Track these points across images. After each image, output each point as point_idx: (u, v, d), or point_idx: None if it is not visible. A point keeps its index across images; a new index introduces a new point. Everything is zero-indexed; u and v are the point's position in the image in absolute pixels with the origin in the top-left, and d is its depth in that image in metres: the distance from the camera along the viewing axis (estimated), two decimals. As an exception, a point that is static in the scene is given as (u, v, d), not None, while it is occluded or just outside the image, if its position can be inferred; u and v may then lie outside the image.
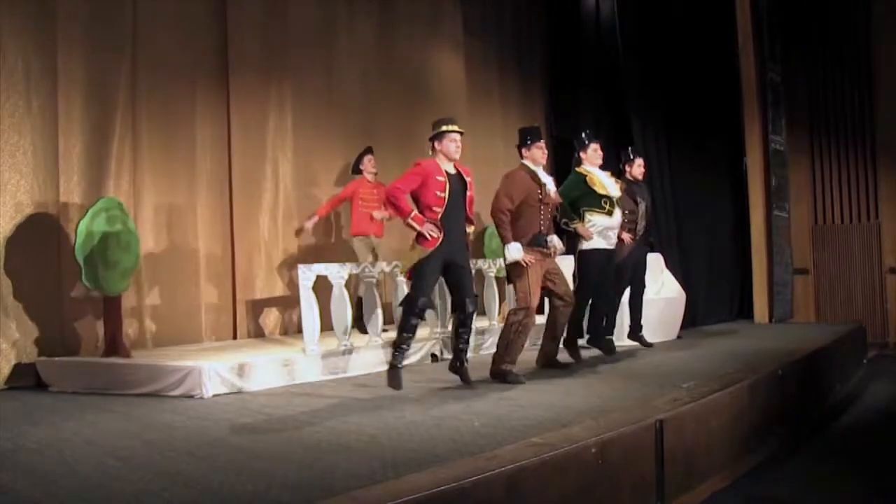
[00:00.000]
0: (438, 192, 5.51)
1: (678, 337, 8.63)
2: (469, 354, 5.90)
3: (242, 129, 8.03)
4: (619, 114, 10.96)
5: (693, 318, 9.52)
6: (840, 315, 11.49)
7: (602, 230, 6.83)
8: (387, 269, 7.19)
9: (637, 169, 7.92)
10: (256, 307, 8.12)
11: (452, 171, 5.66)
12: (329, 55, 8.92)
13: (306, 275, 6.45)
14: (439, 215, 5.50)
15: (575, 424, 4.19)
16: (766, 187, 10.81)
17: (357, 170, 8.23)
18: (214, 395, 5.65)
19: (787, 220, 11.22)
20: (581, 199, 6.84)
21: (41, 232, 6.49)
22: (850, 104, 11.67)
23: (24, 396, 5.88)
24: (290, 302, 8.09)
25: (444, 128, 5.69)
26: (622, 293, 7.66)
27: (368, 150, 8.25)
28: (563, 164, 12.61)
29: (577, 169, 7.07)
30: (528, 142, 6.11)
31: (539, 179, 6.03)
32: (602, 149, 7.14)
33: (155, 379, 5.85)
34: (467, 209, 5.69)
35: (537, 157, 6.10)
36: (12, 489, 3.34)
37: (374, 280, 6.98)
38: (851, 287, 11.62)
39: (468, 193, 5.69)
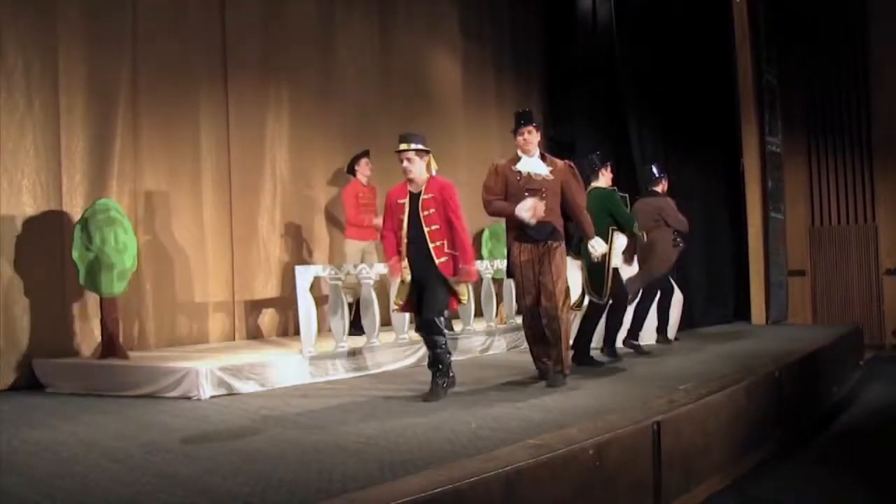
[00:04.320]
0: (399, 216, 5.43)
1: (675, 339, 8.64)
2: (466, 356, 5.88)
3: (241, 130, 8.03)
4: (616, 116, 10.98)
5: (690, 320, 9.52)
6: (837, 317, 11.50)
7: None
8: (383, 271, 7.19)
9: (663, 185, 8.33)
10: (255, 308, 8.12)
11: (415, 190, 5.42)
12: (327, 56, 8.93)
13: (303, 276, 6.45)
14: (403, 239, 5.41)
15: (572, 426, 4.20)
16: (763, 189, 10.82)
17: (352, 170, 8.21)
18: (211, 397, 5.65)
19: (782, 221, 11.23)
20: (614, 217, 6.92)
21: (43, 231, 6.49)
22: (846, 105, 11.69)
23: (21, 397, 5.87)
24: (288, 303, 8.09)
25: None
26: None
27: (365, 154, 8.23)
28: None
29: (609, 188, 7.11)
30: (514, 129, 6.02)
31: (521, 167, 5.86)
32: (612, 170, 7.29)
33: (152, 380, 5.84)
34: (425, 225, 5.35)
35: (519, 143, 5.95)
36: (9, 491, 3.34)
37: (371, 282, 6.98)
38: (848, 289, 11.63)
39: (424, 213, 5.35)
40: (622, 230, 6.94)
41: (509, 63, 11.53)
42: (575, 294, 7.18)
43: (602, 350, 7.14)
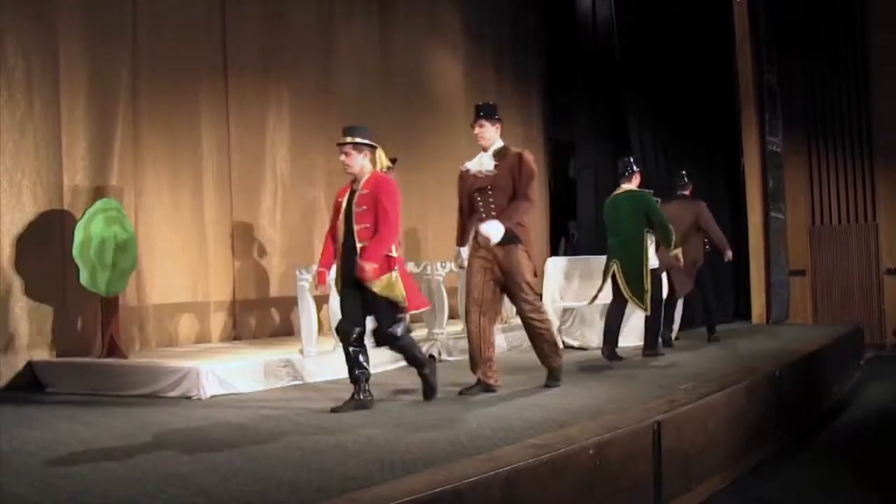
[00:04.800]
0: (339, 217, 5.15)
1: (675, 338, 8.64)
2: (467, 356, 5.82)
3: (241, 129, 8.03)
4: (616, 116, 10.99)
5: (690, 320, 9.53)
6: (837, 316, 11.48)
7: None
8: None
9: (691, 189, 8.72)
10: (255, 308, 8.12)
11: (355, 188, 5.12)
12: (327, 55, 8.93)
13: (303, 276, 6.46)
14: (338, 241, 5.14)
15: (572, 425, 4.20)
16: (764, 189, 10.82)
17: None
18: (212, 396, 5.65)
19: (783, 221, 11.23)
20: (650, 219, 7.16)
21: (44, 231, 6.49)
22: (847, 105, 11.67)
23: (21, 397, 5.87)
24: (288, 303, 8.09)
25: None
26: None
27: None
28: (560, 167, 12.68)
29: (647, 191, 7.42)
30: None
31: (469, 164, 5.66)
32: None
33: (153, 380, 5.85)
34: (355, 223, 5.03)
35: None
36: (9, 491, 3.33)
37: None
38: (849, 288, 11.62)
39: (356, 209, 5.03)
40: (656, 232, 7.18)
41: (509, 63, 11.53)
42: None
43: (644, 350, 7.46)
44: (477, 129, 5.63)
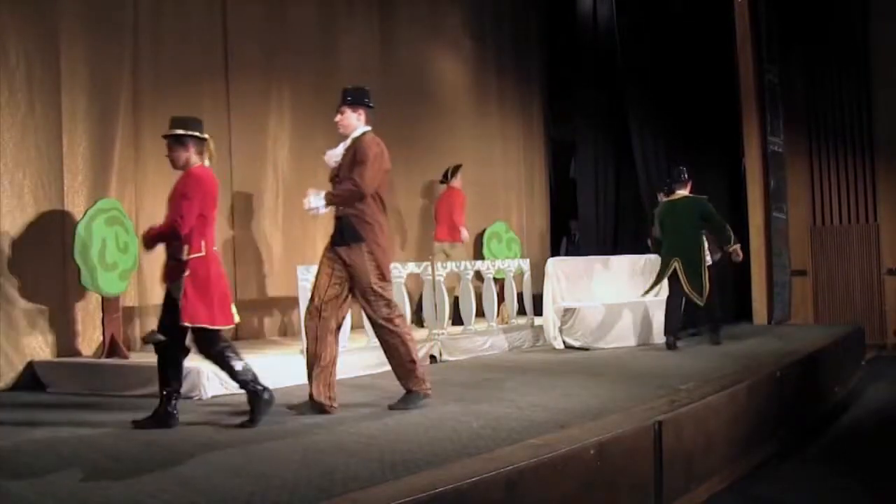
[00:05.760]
0: None
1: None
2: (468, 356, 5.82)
3: (243, 130, 8.04)
4: (617, 116, 10.98)
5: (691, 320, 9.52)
6: (838, 316, 11.47)
7: None
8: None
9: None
10: (256, 308, 8.11)
11: None
12: (328, 56, 8.93)
13: (305, 276, 6.45)
14: None
15: (573, 426, 4.20)
16: (765, 189, 10.81)
17: (447, 179, 9.24)
18: (213, 396, 5.65)
19: (785, 221, 11.22)
20: (710, 223, 7.95)
21: (45, 232, 6.49)
22: (848, 105, 11.65)
23: (22, 397, 5.88)
24: (289, 303, 8.09)
25: None
26: None
27: (456, 169, 9.20)
28: (560, 167, 12.69)
29: (703, 197, 8.14)
30: None
31: (328, 152, 5.22)
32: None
33: (153, 380, 5.79)
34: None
35: None
36: (10, 490, 3.33)
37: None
38: (850, 288, 11.60)
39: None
40: (718, 235, 7.94)
41: (510, 63, 11.54)
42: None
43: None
44: (338, 117, 5.17)
